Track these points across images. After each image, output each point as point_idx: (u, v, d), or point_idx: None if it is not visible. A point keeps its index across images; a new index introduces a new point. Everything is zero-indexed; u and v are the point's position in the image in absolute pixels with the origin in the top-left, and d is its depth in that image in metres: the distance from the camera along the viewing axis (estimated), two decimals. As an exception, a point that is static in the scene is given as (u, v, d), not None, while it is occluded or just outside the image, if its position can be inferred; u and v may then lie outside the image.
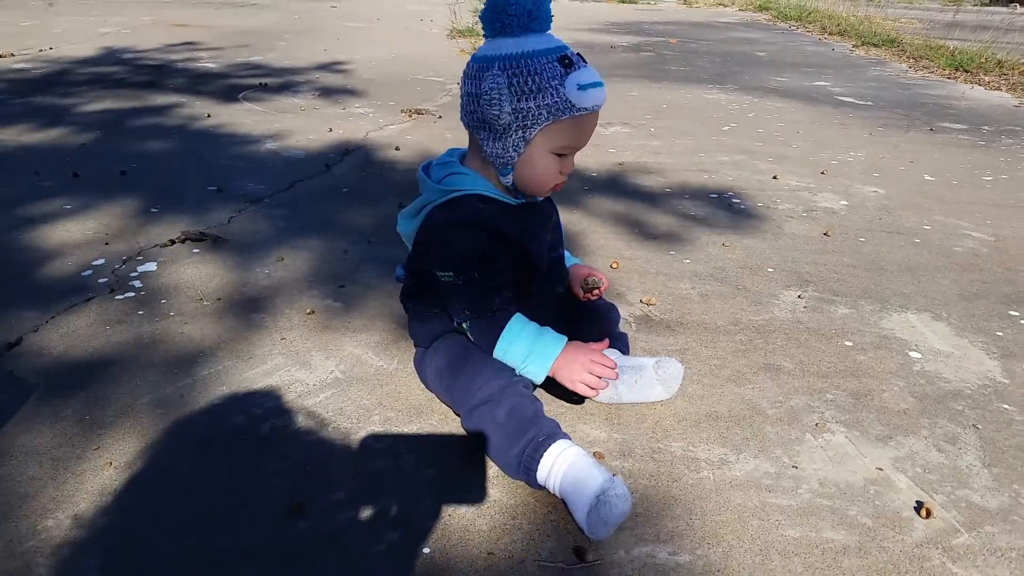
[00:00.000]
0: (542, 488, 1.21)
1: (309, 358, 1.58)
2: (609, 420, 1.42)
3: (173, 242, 2.11)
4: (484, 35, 1.28)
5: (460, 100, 1.32)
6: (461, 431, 1.35)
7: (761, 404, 1.49)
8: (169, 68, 4.71)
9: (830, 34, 9.10)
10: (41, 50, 5.16)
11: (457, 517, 1.17)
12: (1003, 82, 6.01)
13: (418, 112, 3.83)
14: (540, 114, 1.21)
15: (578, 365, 1.30)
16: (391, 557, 1.08)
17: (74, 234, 2.13)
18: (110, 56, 5.04)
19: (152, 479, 1.21)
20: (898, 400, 1.54)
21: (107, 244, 2.07)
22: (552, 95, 1.21)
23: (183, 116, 3.55)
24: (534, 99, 1.21)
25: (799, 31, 9.45)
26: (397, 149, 3.14)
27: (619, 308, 1.61)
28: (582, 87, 1.21)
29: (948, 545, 1.16)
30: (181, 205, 2.39)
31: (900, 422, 1.46)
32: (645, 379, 1.44)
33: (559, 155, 1.27)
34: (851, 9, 10.71)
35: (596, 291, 1.48)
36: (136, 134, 3.20)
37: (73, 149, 2.95)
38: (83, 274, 1.89)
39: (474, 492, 1.22)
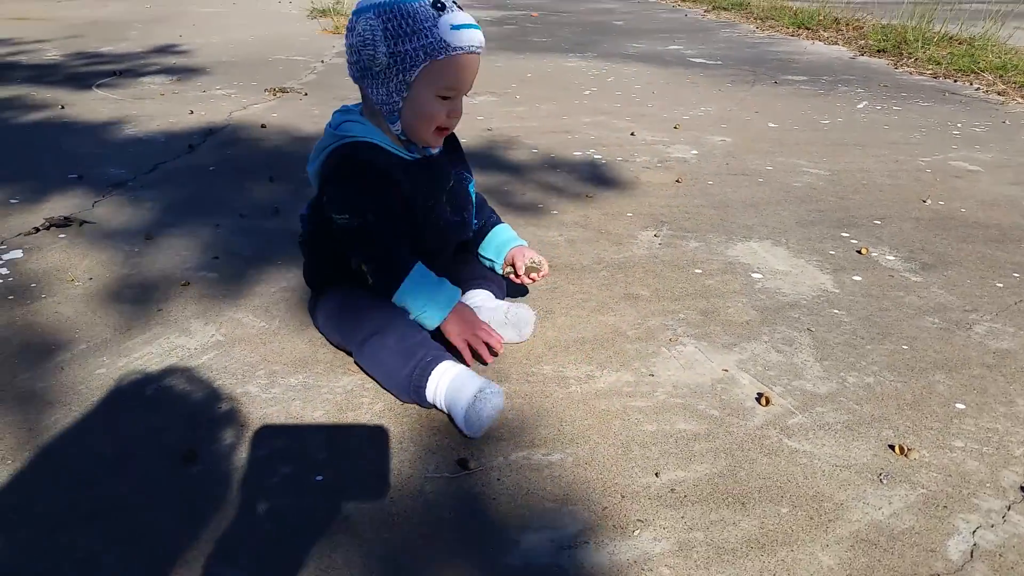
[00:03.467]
0: (431, 406, 1.31)
1: (188, 325, 1.61)
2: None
3: (38, 229, 2.06)
4: None
5: (346, 55, 1.37)
6: (348, 374, 1.43)
7: (622, 327, 1.63)
8: (13, 63, 4.47)
9: (683, 0, 9.47)
10: None
11: (347, 448, 1.24)
12: (840, 37, 6.45)
13: (283, 90, 3.81)
14: (417, 55, 1.28)
15: (468, 329, 1.39)
16: (285, 487, 1.15)
17: (-73, 229, 2.05)
18: (-56, 52, 4.75)
19: (41, 443, 1.23)
20: (741, 314, 1.71)
21: (-35, 236, 2.01)
22: (427, 35, 1.27)
23: (35, 108, 3.41)
24: (409, 41, 1.27)
25: None
26: (263, 127, 3.14)
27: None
28: (455, 27, 1.28)
29: (784, 425, 1.32)
30: (42, 194, 2.33)
31: (743, 331, 1.63)
32: (496, 321, 1.53)
33: (443, 98, 1.34)
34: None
35: (536, 275, 1.57)
36: (-17, 128, 3.07)
37: (-86, 147, 2.80)
38: (-58, 266, 1.84)
39: (362, 425, 1.30)
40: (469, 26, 1.31)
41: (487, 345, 1.41)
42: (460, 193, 1.53)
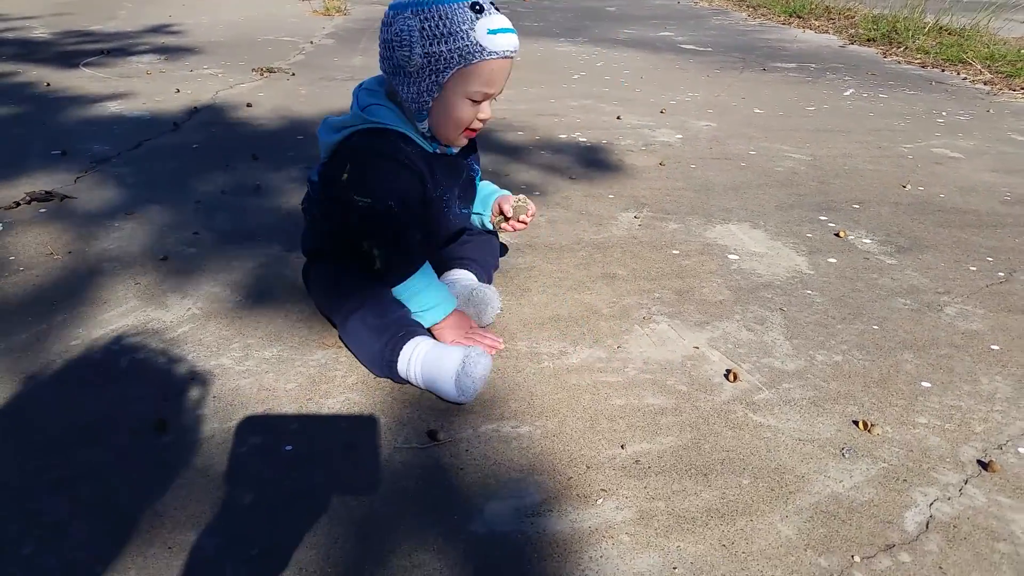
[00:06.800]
0: (404, 381, 1.33)
1: (165, 299, 1.61)
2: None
3: (18, 204, 2.06)
4: None
5: (379, 49, 1.35)
6: (322, 348, 1.44)
7: (597, 305, 1.65)
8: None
9: (676, -12, 9.44)
10: None
11: (318, 419, 1.25)
12: (831, 25, 6.45)
13: (270, 70, 3.79)
14: (452, 58, 1.26)
15: (461, 332, 1.41)
16: (254, 456, 1.16)
17: (-94, 202, 2.05)
18: (-70, 29, 4.71)
19: (12, 412, 1.24)
20: (716, 293, 1.72)
21: (-56, 209, 2.01)
22: (462, 38, 1.25)
23: (20, 85, 3.39)
24: (445, 43, 1.25)
25: (647, -14, 9.75)
26: (249, 106, 3.13)
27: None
28: (492, 31, 1.27)
29: (751, 401, 1.34)
30: (24, 169, 2.33)
31: (716, 311, 1.65)
32: (460, 298, 1.52)
33: (474, 101, 1.33)
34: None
35: (525, 216, 1.54)
36: (-34, 104, 3.05)
37: None
38: (-80, 238, 1.84)
39: (334, 398, 1.31)
40: (505, 30, 1.29)
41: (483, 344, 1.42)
42: (469, 186, 1.55)
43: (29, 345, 1.42)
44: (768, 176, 2.55)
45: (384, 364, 1.33)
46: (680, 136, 2.99)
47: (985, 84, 4.30)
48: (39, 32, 4.71)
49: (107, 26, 5.02)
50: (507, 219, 1.56)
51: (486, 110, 1.37)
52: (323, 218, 1.49)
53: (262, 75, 3.71)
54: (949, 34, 5.57)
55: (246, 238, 1.90)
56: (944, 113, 3.57)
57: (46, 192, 2.13)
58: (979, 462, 1.19)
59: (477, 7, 1.27)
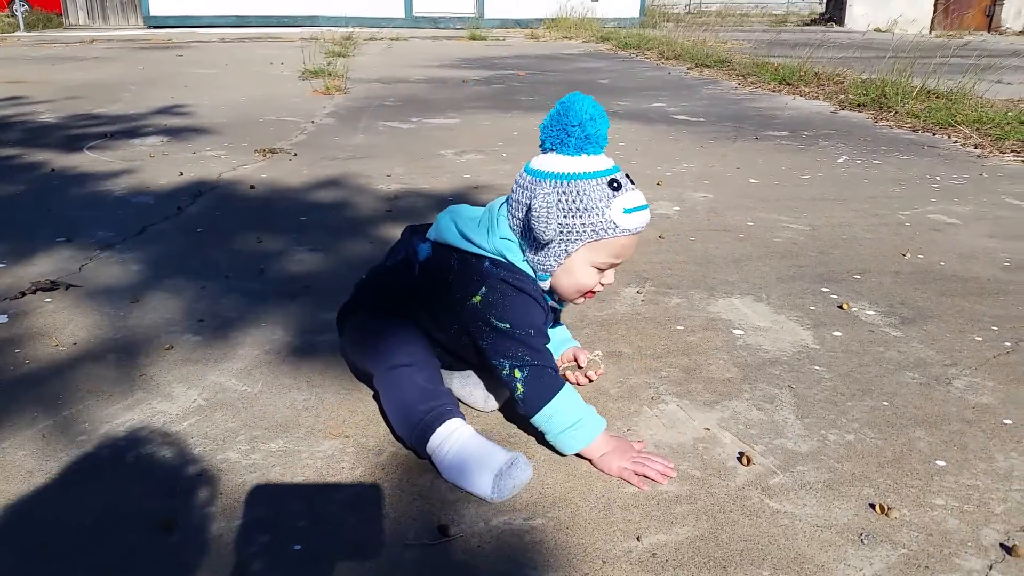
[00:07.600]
0: (426, 456, 1.33)
1: (170, 390, 1.61)
2: (468, 412, 1.52)
3: (23, 294, 2.07)
4: (541, 146, 1.36)
5: (509, 202, 1.40)
6: (329, 439, 1.43)
7: (605, 386, 1.64)
8: (7, 124, 4.53)
9: (667, 59, 9.68)
10: None
11: (326, 515, 1.23)
12: (821, 92, 6.58)
13: (272, 151, 3.86)
14: (583, 232, 1.30)
15: (626, 456, 1.33)
16: (263, 557, 1.14)
17: (-89, 294, 2.06)
18: (-63, 116, 4.80)
19: (18, 512, 1.22)
20: (723, 371, 1.72)
21: (-50, 301, 2.01)
22: (597, 215, 1.29)
23: (25, 169, 3.45)
24: (579, 217, 1.29)
25: (638, 58, 10.01)
26: (252, 187, 3.17)
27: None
28: (628, 211, 1.31)
29: (766, 485, 1.32)
30: (29, 257, 2.35)
31: (725, 389, 1.64)
32: (472, 382, 1.55)
33: (599, 269, 1.37)
34: (686, 35, 11.41)
35: (594, 372, 1.55)
36: (-28, 192, 3.09)
37: (-97, 211, 2.82)
38: (-75, 332, 1.84)
39: (342, 492, 1.29)
40: (640, 208, 1.32)
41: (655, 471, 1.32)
42: (549, 322, 1.55)
43: (35, 442, 1.41)
44: (768, 247, 2.57)
45: (418, 429, 1.33)
46: (678, 208, 3.02)
47: (976, 147, 4.37)
48: (45, 116, 4.80)
49: (111, 109, 5.12)
50: (578, 367, 1.56)
51: (609, 276, 1.40)
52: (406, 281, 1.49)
53: (264, 156, 3.77)
54: (937, 97, 5.68)
55: (251, 324, 1.90)
56: (938, 178, 3.62)
57: (51, 282, 2.14)
58: (1002, 546, 1.17)
59: (615, 184, 1.30)
